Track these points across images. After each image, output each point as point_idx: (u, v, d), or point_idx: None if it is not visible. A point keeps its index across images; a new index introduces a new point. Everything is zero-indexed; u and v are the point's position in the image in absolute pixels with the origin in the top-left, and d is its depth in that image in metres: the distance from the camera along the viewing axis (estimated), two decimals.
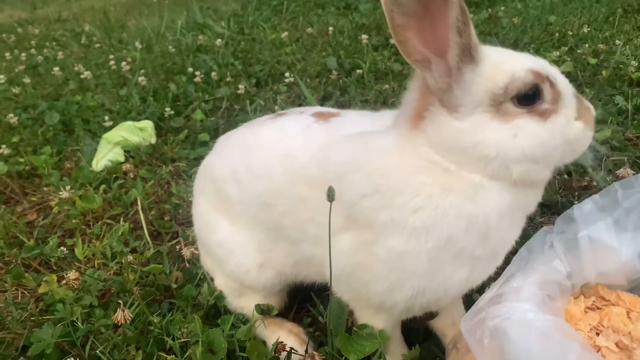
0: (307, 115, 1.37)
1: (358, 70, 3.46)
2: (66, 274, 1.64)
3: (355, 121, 1.32)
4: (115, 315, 1.31)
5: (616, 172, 1.92)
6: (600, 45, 3.47)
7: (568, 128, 1.08)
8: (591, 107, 1.16)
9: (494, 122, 1.03)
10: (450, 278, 1.12)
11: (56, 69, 4.17)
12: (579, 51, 3.45)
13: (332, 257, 1.21)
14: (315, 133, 1.29)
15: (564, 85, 1.10)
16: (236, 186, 1.38)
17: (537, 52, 3.61)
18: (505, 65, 1.05)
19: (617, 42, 3.49)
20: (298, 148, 1.27)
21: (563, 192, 2.03)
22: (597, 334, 1.20)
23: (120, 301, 1.49)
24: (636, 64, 3.00)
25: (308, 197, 1.22)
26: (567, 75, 3.13)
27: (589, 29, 3.90)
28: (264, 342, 1.48)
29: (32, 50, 5.22)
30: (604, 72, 3.04)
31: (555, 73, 1.10)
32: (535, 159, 1.05)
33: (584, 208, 1.30)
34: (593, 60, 3.22)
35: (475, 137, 1.03)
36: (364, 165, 1.13)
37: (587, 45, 3.54)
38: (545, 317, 1.05)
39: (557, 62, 3.24)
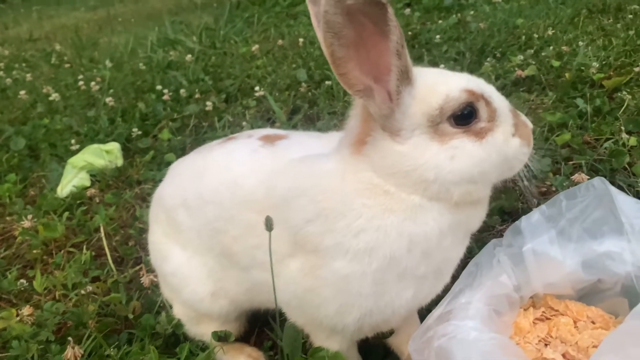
0: (254, 139, 1.37)
1: (327, 82, 3.47)
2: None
3: (301, 143, 1.32)
4: (65, 353, 1.29)
5: (572, 177, 1.94)
6: (564, 48, 3.51)
7: (505, 145, 1.10)
8: (528, 122, 1.18)
9: (433, 144, 1.04)
10: (397, 298, 1.13)
11: (22, 92, 4.11)
12: (543, 54, 3.50)
13: (282, 283, 1.21)
14: (261, 157, 1.29)
15: (500, 102, 1.12)
16: (187, 213, 1.37)
17: (503, 55, 3.66)
18: (439, 86, 1.06)
19: (580, 43, 3.54)
20: (245, 173, 1.27)
21: (523, 199, 2.05)
22: (546, 345, 1.21)
23: (76, 335, 1.48)
24: (597, 65, 3.05)
25: (256, 223, 1.21)
26: (531, 78, 3.18)
27: (553, 31, 3.96)
28: None
29: (1, 73, 5.16)
30: (567, 75, 3.08)
31: (490, 91, 1.12)
32: (473, 179, 1.06)
33: (531, 219, 1.32)
34: (556, 63, 3.26)
35: (416, 160, 1.04)
36: (307, 190, 1.13)
37: (551, 47, 3.59)
38: (489, 336, 1.05)
39: (521, 66, 3.28)
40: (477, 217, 1.16)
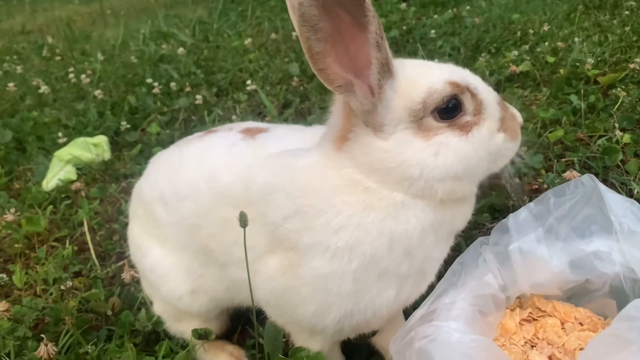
0: (235, 132, 1.33)
1: None
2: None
3: (282, 137, 1.28)
4: (38, 350, 1.25)
5: (563, 174, 1.91)
6: (559, 43, 3.48)
7: (490, 141, 1.06)
8: (517, 114, 1.14)
9: (416, 140, 1.00)
10: (378, 298, 1.09)
11: (11, 84, 4.06)
12: (538, 50, 3.46)
13: (260, 281, 1.17)
14: (240, 151, 1.25)
15: (486, 94, 1.08)
16: (164, 208, 1.33)
17: (497, 51, 3.62)
18: (421, 78, 1.02)
19: (576, 39, 3.50)
20: (223, 168, 1.23)
21: (514, 196, 2.01)
22: (532, 346, 1.17)
23: (54, 331, 1.44)
24: (592, 62, 3.01)
25: (233, 218, 1.17)
26: (525, 74, 3.14)
27: (549, 26, 3.92)
28: None
29: None
30: (561, 71, 3.05)
31: (476, 82, 1.08)
32: (458, 176, 1.02)
33: (519, 217, 1.28)
34: (551, 59, 3.23)
35: (399, 157, 1.00)
36: (285, 186, 1.09)
37: (546, 43, 3.55)
38: (471, 338, 1.02)
39: (515, 62, 3.24)
40: (462, 215, 1.12)
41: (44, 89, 3.90)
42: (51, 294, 1.77)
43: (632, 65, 2.86)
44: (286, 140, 1.24)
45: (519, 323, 1.21)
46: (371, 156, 1.02)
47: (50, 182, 2.56)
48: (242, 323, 1.60)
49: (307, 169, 1.09)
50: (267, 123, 1.49)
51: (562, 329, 1.18)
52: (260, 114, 3.12)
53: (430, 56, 3.70)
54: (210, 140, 1.33)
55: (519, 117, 1.14)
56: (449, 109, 1.01)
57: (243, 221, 1.01)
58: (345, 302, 1.08)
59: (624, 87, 2.70)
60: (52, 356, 1.27)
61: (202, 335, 1.41)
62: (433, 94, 0.99)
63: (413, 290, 1.14)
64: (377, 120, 1.01)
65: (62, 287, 1.71)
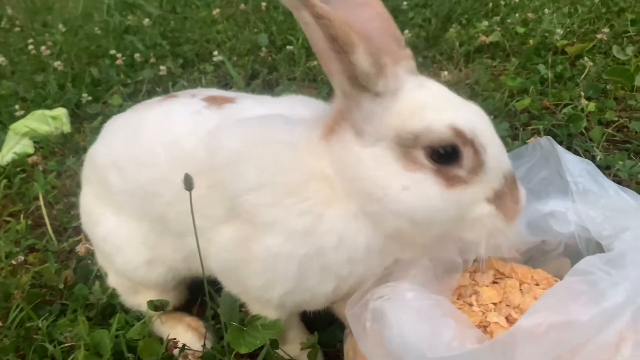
0: (198, 100, 1.26)
1: (289, 47, 3.35)
2: None
3: (252, 110, 1.20)
4: None
5: (528, 141, 1.91)
6: (530, 14, 3.47)
7: (468, 207, 0.97)
8: (522, 198, 1.02)
9: (395, 164, 0.95)
10: (317, 287, 1.08)
11: None
12: (509, 21, 3.45)
13: (214, 250, 1.15)
14: (205, 119, 1.19)
15: (494, 160, 0.96)
16: (118, 175, 1.27)
17: (468, 22, 3.59)
18: (425, 111, 0.95)
19: (546, 10, 3.49)
20: (185, 134, 1.18)
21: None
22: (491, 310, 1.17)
23: (5, 307, 1.38)
24: (562, 32, 3.02)
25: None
26: (495, 45, 3.12)
27: None
28: (161, 340, 1.40)
29: None
30: (531, 41, 3.04)
31: (489, 142, 0.96)
32: (414, 221, 0.96)
33: None
34: (521, 30, 3.22)
35: (369, 171, 0.97)
36: (257, 158, 1.06)
37: (517, 14, 3.54)
38: (425, 296, 1.00)
39: (485, 32, 3.22)
40: (410, 254, 1.08)
41: (1, 60, 3.73)
42: (2, 268, 1.70)
43: (599, 36, 2.87)
44: (256, 112, 1.17)
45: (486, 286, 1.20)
46: (346, 158, 1.00)
47: (5, 156, 2.45)
48: (201, 295, 1.56)
49: (289, 145, 1.05)
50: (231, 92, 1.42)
51: (519, 290, 1.18)
52: (227, 85, 3.04)
53: (401, 27, 3.64)
54: (171, 106, 1.27)
55: (522, 201, 1.02)
56: (444, 155, 0.93)
57: (188, 184, 0.97)
58: (288, 282, 1.07)
59: (591, 57, 2.71)
60: None
61: (158, 306, 1.37)
62: (430, 134, 0.93)
63: (352, 289, 1.10)
64: (355, 124, 0.98)
65: (14, 262, 1.64)
